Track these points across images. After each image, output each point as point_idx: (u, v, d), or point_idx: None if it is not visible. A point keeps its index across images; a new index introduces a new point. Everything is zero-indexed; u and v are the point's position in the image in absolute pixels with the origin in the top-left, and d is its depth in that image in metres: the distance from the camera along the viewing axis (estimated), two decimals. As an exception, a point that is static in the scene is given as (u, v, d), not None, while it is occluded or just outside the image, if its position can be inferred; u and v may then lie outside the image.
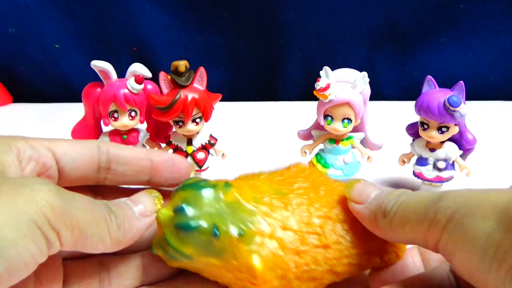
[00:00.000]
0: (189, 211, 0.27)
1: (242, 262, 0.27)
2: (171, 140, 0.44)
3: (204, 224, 0.27)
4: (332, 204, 0.30)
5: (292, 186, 0.31)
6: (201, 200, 0.28)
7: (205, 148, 0.44)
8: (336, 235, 0.28)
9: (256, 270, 0.26)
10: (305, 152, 0.46)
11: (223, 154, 0.45)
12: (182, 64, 0.40)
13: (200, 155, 0.43)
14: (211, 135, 0.44)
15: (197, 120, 0.41)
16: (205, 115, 0.41)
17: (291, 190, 0.31)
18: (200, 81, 0.41)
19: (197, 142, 0.43)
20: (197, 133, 0.43)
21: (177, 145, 0.43)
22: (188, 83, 0.40)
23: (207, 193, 0.29)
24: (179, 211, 0.27)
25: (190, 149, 0.43)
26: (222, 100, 0.44)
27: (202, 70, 0.41)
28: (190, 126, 0.41)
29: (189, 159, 0.43)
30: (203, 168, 0.44)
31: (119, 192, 0.31)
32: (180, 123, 0.41)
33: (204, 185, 0.29)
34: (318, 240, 0.28)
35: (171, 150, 0.44)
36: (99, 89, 0.41)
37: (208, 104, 0.41)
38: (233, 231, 0.27)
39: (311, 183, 0.31)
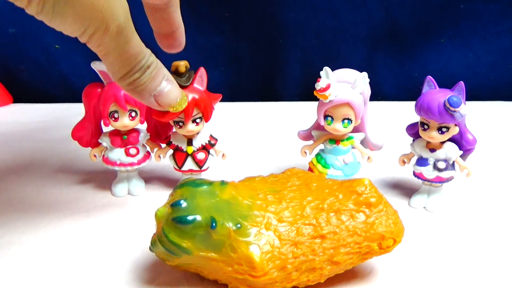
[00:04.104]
0: (186, 204, 0.28)
1: (241, 253, 0.27)
2: (171, 140, 0.43)
3: (201, 216, 0.28)
4: (324, 196, 0.30)
5: (286, 185, 0.32)
6: (197, 195, 0.29)
7: (205, 148, 0.44)
8: (331, 225, 0.29)
9: (255, 261, 0.27)
10: (305, 153, 0.46)
11: (223, 155, 0.45)
12: (183, 65, 0.39)
13: (200, 155, 0.43)
14: (211, 136, 0.44)
15: (197, 120, 0.41)
16: (205, 116, 0.41)
17: (284, 187, 0.32)
18: (200, 82, 0.41)
19: (197, 143, 0.43)
20: (197, 133, 0.43)
21: (177, 145, 0.43)
22: (188, 84, 0.40)
23: (203, 190, 0.30)
24: (175, 205, 0.28)
25: (190, 150, 0.43)
26: (222, 100, 0.44)
27: (202, 71, 0.41)
28: (190, 127, 0.41)
29: (189, 159, 0.43)
30: (203, 168, 0.44)
31: None
32: (180, 124, 0.41)
33: (200, 183, 0.30)
34: (314, 231, 0.29)
35: (171, 151, 0.44)
36: (99, 90, 0.41)
37: (208, 104, 0.41)
38: (230, 223, 0.28)
39: (303, 181, 0.32)
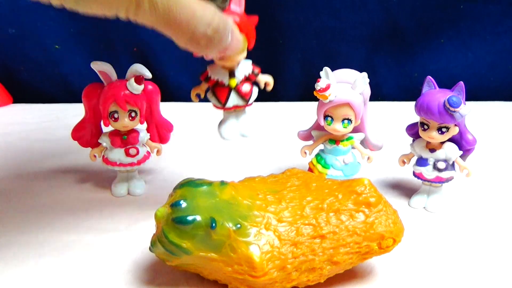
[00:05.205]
0: (186, 205, 0.28)
1: (241, 254, 0.27)
2: (209, 75, 0.38)
3: (201, 217, 0.28)
4: (323, 196, 0.30)
5: (285, 185, 0.32)
6: (197, 196, 0.29)
7: (249, 79, 0.38)
8: (331, 225, 0.29)
9: (255, 261, 0.27)
10: (305, 153, 0.46)
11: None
12: None
13: (245, 87, 0.38)
14: (253, 64, 0.38)
15: None
16: (249, 42, 0.35)
17: (284, 187, 0.32)
18: (237, 2, 0.34)
19: (240, 74, 0.37)
20: (238, 63, 0.37)
21: (217, 79, 0.37)
22: (225, 5, 0.33)
23: (203, 190, 0.30)
24: (175, 205, 0.28)
25: (233, 82, 0.37)
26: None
27: None
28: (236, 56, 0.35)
29: (233, 94, 0.37)
30: (249, 102, 0.39)
31: None
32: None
33: (200, 183, 0.30)
34: (313, 231, 0.29)
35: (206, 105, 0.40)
36: (99, 90, 0.41)
37: (251, 29, 0.34)
38: (230, 223, 0.28)
39: (303, 181, 0.32)
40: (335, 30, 0.79)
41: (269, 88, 0.39)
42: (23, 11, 0.77)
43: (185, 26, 0.26)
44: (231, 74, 0.37)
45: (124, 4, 0.24)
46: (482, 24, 0.78)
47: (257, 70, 0.38)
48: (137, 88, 0.41)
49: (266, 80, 0.39)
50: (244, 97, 0.38)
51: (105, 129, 0.44)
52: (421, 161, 0.41)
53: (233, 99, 0.38)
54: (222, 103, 0.38)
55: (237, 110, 0.38)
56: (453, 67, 0.81)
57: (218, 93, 0.37)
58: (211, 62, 0.38)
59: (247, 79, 0.37)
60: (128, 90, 0.41)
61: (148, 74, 0.42)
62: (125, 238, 0.37)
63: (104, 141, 0.44)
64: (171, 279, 0.32)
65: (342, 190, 0.31)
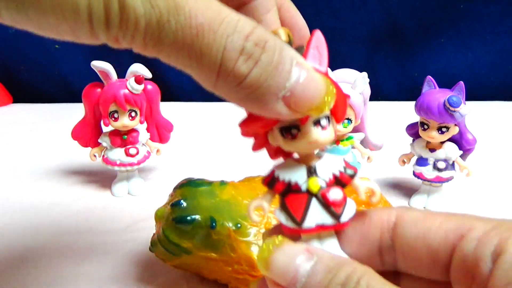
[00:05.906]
0: (186, 205, 0.28)
1: (241, 253, 0.27)
2: (275, 174, 0.21)
3: (200, 217, 0.28)
4: None
5: None
6: (197, 195, 0.29)
7: (341, 181, 0.21)
8: None
9: (255, 261, 0.27)
10: (305, 153, 0.46)
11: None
12: (283, 32, 0.20)
13: (335, 193, 0.21)
14: (345, 160, 0.23)
15: (323, 122, 0.20)
16: (336, 114, 0.21)
17: None
18: (317, 57, 0.20)
19: (326, 170, 0.21)
20: (322, 152, 0.22)
21: (290, 181, 0.21)
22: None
23: (203, 190, 0.30)
24: (176, 205, 0.28)
25: (314, 184, 0.21)
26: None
27: (318, 36, 0.20)
28: (314, 133, 0.20)
29: (316, 204, 0.20)
30: (343, 220, 0.20)
31: None
32: (294, 131, 0.20)
33: (200, 183, 0.30)
34: None
35: (272, 208, 0.21)
36: (99, 90, 0.41)
37: (340, 94, 0.20)
38: (230, 223, 0.28)
39: None
40: (335, 30, 0.79)
41: (375, 199, 0.22)
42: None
43: (207, 37, 0.16)
44: (311, 170, 0.22)
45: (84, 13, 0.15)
46: (482, 24, 0.78)
47: (353, 170, 0.22)
48: (137, 88, 0.41)
49: (369, 187, 0.22)
50: (334, 210, 0.21)
51: (105, 129, 0.44)
52: (421, 161, 0.41)
53: (316, 214, 0.21)
54: (298, 221, 0.20)
55: (322, 234, 0.21)
56: (453, 67, 0.81)
57: (290, 203, 0.21)
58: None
59: (337, 180, 0.22)
60: (128, 90, 0.41)
61: (148, 74, 0.42)
62: (125, 238, 0.37)
63: (104, 141, 0.44)
64: (171, 279, 0.32)
65: None
